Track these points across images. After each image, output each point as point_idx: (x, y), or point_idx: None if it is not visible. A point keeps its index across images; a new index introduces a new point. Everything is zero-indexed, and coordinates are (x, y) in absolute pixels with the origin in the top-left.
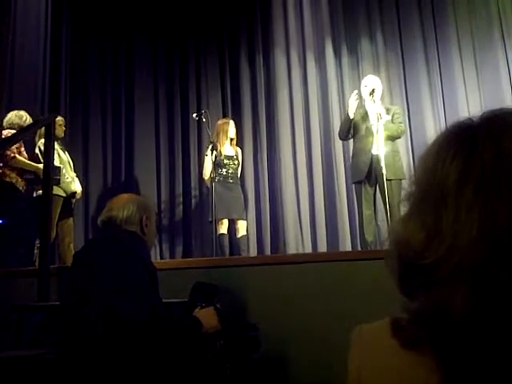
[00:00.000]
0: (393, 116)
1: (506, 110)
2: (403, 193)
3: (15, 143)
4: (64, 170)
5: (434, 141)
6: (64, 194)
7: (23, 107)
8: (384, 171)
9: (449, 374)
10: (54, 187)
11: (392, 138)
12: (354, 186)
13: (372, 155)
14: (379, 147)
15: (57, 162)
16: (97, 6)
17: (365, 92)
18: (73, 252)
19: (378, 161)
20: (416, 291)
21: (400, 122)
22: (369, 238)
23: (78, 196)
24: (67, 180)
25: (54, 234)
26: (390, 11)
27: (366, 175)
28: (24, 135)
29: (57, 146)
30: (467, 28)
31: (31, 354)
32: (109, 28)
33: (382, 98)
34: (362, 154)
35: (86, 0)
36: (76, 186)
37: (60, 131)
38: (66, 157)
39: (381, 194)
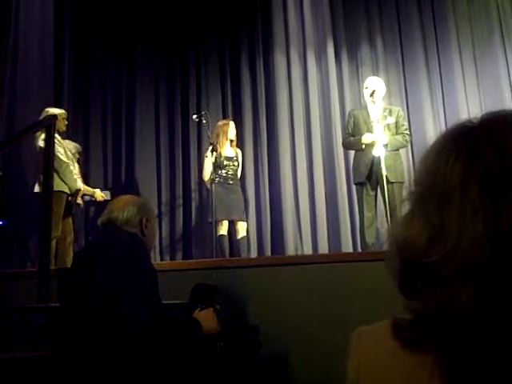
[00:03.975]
0: (398, 118)
1: (506, 111)
2: (404, 193)
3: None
4: (72, 167)
5: (435, 141)
6: (68, 192)
7: (24, 109)
8: (384, 173)
9: (451, 375)
10: (60, 183)
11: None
12: (355, 187)
13: (374, 157)
14: (380, 148)
15: (65, 158)
16: (99, 8)
17: (366, 93)
18: (72, 252)
19: (380, 162)
20: (418, 291)
21: (403, 126)
22: (370, 240)
23: (81, 194)
24: (74, 177)
25: (59, 232)
26: (390, 13)
27: (367, 177)
28: (24, 136)
29: (64, 141)
30: (467, 30)
31: (31, 356)
32: (110, 30)
33: (383, 99)
34: (364, 155)
35: (88, 2)
36: (79, 184)
37: (62, 124)
38: (71, 154)
39: (382, 196)
